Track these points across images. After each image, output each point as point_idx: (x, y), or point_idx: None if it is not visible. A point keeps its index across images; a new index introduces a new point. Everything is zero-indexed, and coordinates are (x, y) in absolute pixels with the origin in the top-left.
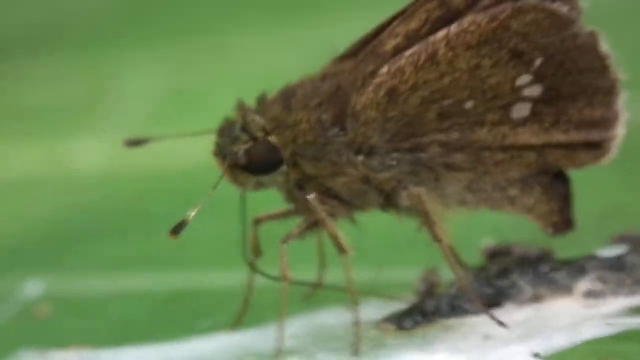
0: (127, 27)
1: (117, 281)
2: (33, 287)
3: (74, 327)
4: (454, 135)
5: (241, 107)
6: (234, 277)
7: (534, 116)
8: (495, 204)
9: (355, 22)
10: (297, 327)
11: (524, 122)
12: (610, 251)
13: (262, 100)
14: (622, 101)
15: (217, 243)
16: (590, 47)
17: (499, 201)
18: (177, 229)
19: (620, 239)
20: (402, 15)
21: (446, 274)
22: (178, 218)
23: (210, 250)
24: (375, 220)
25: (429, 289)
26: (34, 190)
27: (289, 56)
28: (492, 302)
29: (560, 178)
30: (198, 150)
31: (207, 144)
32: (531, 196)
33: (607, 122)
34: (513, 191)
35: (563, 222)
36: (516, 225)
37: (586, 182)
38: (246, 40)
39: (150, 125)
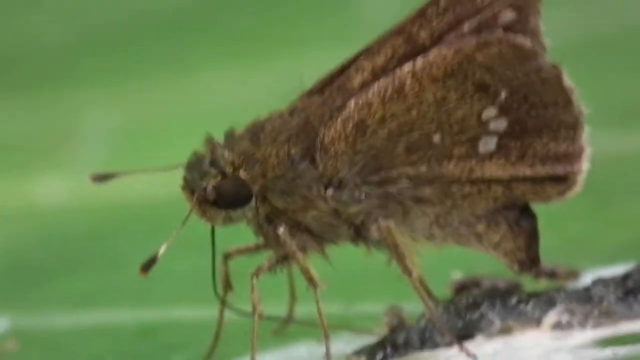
0: (83, 63)
1: (85, 316)
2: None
3: None
4: (422, 168)
5: (210, 141)
6: (204, 312)
7: (501, 150)
8: (462, 240)
9: (320, 57)
10: None
11: (490, 156)
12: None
13: (230, 135)
14: (586, 135)
15: (187, 277)
16: (554, 80)
17: (465, 237)
18: (147, 266)
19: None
20: (368, 51)
21: (415, 307)
22: (145, 252)
23: (180, 284)
24: (345, 254)
25: (398, 322)
26: None
27: (252, 92)
28: (462, 334)
29: (526, 215)
30: (164, 185)
31: (174, 178)
32: (497, 232)
33: (571, 156)
34: (480, 227)
35: (529, 259)
36: (485, 258)
37: (553, 215)
38: (209, 76)
39: (112, 161)
